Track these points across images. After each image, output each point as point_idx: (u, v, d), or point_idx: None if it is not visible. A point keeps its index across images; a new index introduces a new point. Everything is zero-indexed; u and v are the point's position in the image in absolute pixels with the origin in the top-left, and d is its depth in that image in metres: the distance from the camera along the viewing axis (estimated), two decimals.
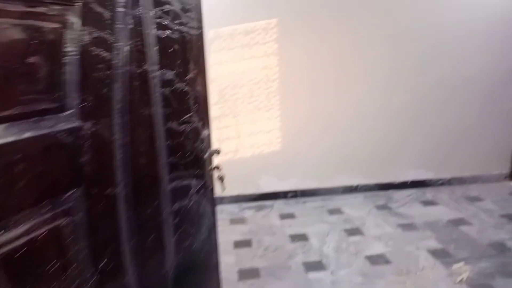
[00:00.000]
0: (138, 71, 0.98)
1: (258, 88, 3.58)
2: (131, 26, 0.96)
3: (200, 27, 1.33)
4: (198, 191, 1.26)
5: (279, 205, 3.72)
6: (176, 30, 1.18)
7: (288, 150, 3.74)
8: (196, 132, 1.27)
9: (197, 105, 1.27)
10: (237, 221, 3.42)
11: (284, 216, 3.47)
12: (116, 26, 0.92)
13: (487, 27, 3.70)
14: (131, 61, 0.96)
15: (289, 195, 3.86)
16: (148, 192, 1.01)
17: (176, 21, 1.18)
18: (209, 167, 1.31)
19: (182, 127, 1.18)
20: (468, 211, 3.38)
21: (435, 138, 3.90)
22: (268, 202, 3.79)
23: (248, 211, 3.63)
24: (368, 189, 3.94)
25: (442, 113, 3.84)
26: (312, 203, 3.74)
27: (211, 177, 1.33)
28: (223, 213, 3.56)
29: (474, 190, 3.86)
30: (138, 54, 0.98)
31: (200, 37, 1.33)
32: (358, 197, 3.82)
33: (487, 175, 4.04)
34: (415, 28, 3.64)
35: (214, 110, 3.56)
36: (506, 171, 4.06)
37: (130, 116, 0.94)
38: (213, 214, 1.38)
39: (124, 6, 0.94)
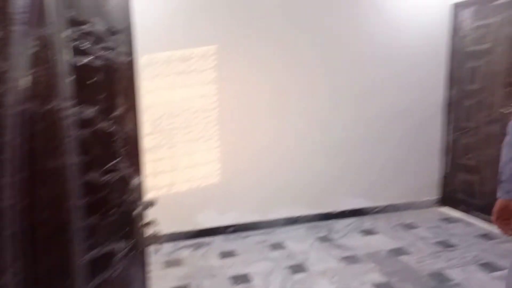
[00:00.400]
0: (43, 110, 0.73)
1: (196, 118, 3.36)
2: (34, 49, 0.72)
3: (130, 53, 1.11)
4: (126, 256, 1.00)
5: (219, 242, 3.47)
6: (100, 56, 0.95)
7: (227, 182, 3.54)
8: (125, 182, 1.03)
9: (126, 147, 1.04)
10: (172, 263, 3.10)
11: (224, 255, 3.22)
12: (10, 49, 0.67)
13: (416, 63, 3.92)
14: (33, 97, 0.71)
15: (229, 230, 3.62)
16: (54, 273, 0.74)
17: (100, 45, 0.95)
18: (141, 223, 1.07)
19: (106, 177, 0.93)
20: (406, 239, 3.42)
21: (371, 168, 3.97)
22: (206, 239, 3.52)
23: (185, 250, 3.32)
24: (309, 220, 3.85)
25: (377, 145, 3.94)
26: (253, 237, 3.55)
27: (143, 235, 1.08)
28: (156, 254, 3.20)
29: (408, 217, 3.96)
30: (44, 87, 0.74)
31: (131, 64, 1.11)
32: (300, 229, 3.71)
33: (418, 202, 4.19)
34: (350, 65, 3.73)
35: (147, 141, 3.26)
36: (435, 197, 4.25)
37: (30, 172, 0.69)
38: (144, 280, 1.12)
39: (25, 23, 0.70)
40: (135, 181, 1.08)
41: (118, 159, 0.98)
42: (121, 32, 1.07)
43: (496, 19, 3.51)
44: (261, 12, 3.41)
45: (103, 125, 0.93)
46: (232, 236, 3.58)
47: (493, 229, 3.57)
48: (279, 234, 3.61)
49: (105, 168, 0.93)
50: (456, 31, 3.92)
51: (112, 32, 1.01)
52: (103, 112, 0.94)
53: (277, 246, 3.36)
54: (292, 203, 3.79)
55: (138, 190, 1.09)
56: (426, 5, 3.86)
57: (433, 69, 4.02)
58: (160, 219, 3.11)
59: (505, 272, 2.80)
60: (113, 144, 0.97)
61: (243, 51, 3.41)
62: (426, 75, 3.99)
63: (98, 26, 0.94)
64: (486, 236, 3.46)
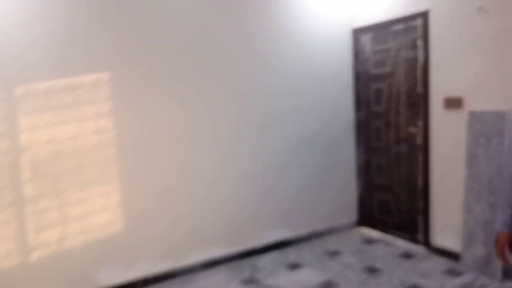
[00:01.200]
0: None
1: (89, 157, 2.84)
2: None
3: None
4: None
5: None
6: None
7: (132, 229, 3.04)
8: None
9: None
10: None
11: None
12: None
13: (326, 87, 3.92)
14: None
15: (138, 284, 3.10)
16: None
17: None
18: None
19: None
20: (332, 269, 3.27)
21: (290, 197, 3.82)
22: None
23: None
24: (230, 259, 3.51)
25: (294, 172, 3.81)
26: None
27: None
28: None
29: (331, 242, 3.85)
30: None
31: None
32: (221, 272, 3.34)
33: (339, 225, 4.13)
34: (258, 91, 3.57)
35: (27, 190, 2.64)
36: (353, 218, 4.24)
37: None
38: None
39: None
40: None
41: None
42: None
43: (393, 43, 3.66)
44: (159, 37, 3.08)
45: None
46: None
47: (410, 247, 3.62)
48: (198, 282, 3.19)
49: None
50: (358, 55, 4.03)
51: None
52: None
53: None
54: (209, 243, 3.42)
55: None
56: (331, 29, 3.92)
57: (342, 92, 4.07)
58: (50, 282, 2.48)
59: None
60: None
61: (142, 80, 3.01)
62: (336, 98, 4.02)
63: None
64: (406, 255, 3.48)
